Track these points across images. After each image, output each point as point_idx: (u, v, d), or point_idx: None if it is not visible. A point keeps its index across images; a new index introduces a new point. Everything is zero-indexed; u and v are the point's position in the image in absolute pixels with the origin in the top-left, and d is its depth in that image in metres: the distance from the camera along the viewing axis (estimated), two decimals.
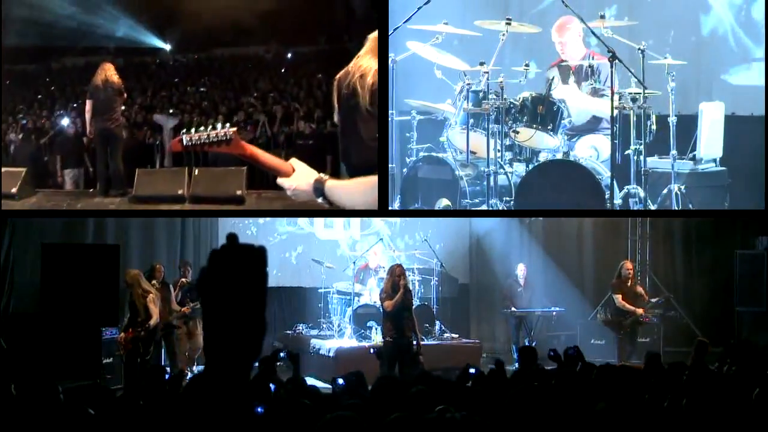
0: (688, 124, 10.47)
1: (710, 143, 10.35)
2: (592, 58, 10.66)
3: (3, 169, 11.98)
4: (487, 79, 10.34)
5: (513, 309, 14.72)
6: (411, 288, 12.78)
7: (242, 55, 13.76)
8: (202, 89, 14.02)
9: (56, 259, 11.67)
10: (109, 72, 12.12)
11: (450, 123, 10.65)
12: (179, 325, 13.39)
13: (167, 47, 14.65)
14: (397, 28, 10.47)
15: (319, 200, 5.34)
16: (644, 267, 15.69)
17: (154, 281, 12.76)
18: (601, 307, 14.80)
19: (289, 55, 16.08)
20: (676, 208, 10.35)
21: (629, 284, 13.56)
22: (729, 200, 10.42)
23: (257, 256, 2.15)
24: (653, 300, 14.13)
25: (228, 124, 5.44)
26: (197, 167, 11.82)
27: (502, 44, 10.46)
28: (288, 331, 14.88)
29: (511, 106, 10.30)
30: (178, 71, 14.86)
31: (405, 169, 10.90)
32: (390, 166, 10.88)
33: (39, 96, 15.05)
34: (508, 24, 10.46)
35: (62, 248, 12.23)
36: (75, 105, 12.67)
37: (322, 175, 5.32)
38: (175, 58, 14.97)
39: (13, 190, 11.70)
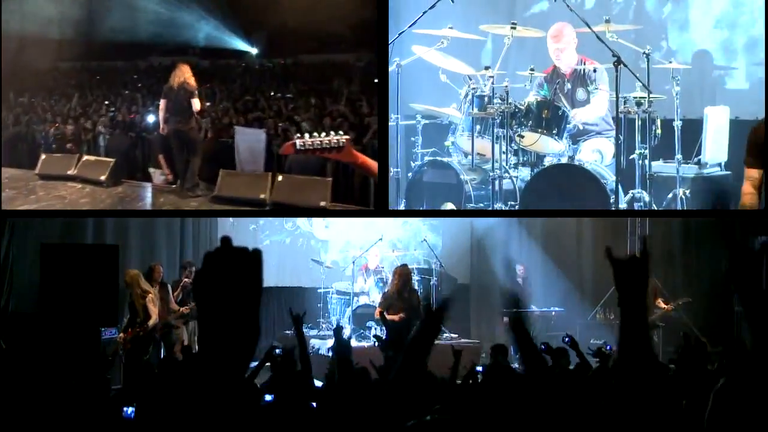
0: (693, 129, 10.49)
1: (715, 147, 10.35)
2: (584, 64, 10.65)
3: (93, 158, 12.97)
4: (492, 83, 10.35)
5: (513, 309, 14.76)
6: (416, 289, 12.88)
7: (330, 62, 13.65)
8: (288, 95, 13.93)
9: (55, 259, 11.63)
10: (186, 74, 12.01)
11: (456, 127, 10.65)
12: (178, 324, 13.40)
13: (254, 51, 14.58)
14: (402, 32, 10.46)
15: None
16: None
17: (153, 281, 12.78)
18: (601, 307, 14.85)
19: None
20: (685, 210, 10.37)
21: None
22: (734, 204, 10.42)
23: (252, 258, 2.14)
24: (680, 302, 14.07)
25: (341, 132, 5.64)
26: (281, 173, 11.75)
27: (506, 48, 10.47)
28: (287, 331, 14.85)
29: (516, 110, 10.31)
30: (264, 75, 14.80)
31: (410, 174, 10.90)
32: (395, 170, 10.87)
33: (126, 92, 15.11)
34: (513, 28, 10.47)
35: (62, 248, 12.18)
36: (158, 104, 12.69)
37: None
38: (261, 63, 14.89)
39: (102, 177, 12.34)
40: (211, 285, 2.11)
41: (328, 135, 5.51)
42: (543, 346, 8.81)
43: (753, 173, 7.90)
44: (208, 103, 13.58)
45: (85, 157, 13.03)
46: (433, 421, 4.42)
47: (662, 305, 13.00)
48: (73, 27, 13.68)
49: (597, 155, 10.50)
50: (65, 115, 14.59)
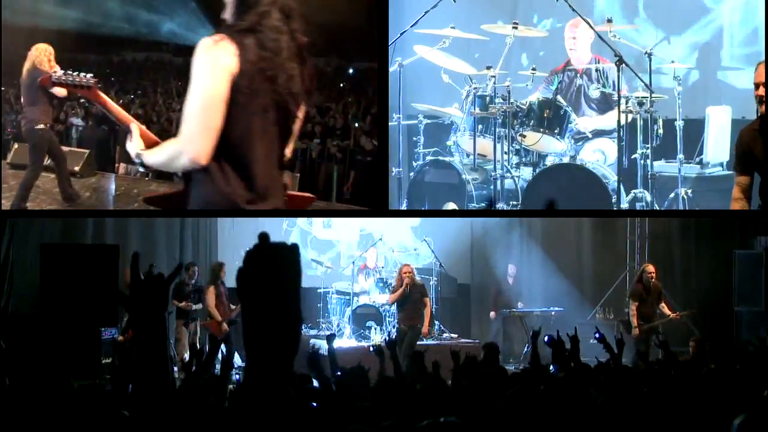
0: (695, 128, 10.50)
1: (717, 147, 10.37)
2: (598, 62, 10.66)
3: (67, 149, 12.93)
4: (494, 83, 10.36)
5: (512, 309, 14.81)
6: (421, 281, 12.98)
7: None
8: None
9: (55, 259, 11.62)
10: (35, 57, 10.85)
11: (458, 127, 10.66)
12: (177, 326, 13.39)
13: None
14: (404, 32, 10.46)
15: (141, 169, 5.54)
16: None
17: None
18: (600, 306, 14.86)
19: (351, 71, 16.06)
20: (685, 210, 10.38)
21: (651, 292, 12.50)
22: None
23: (291, 253, 2.15)
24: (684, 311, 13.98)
25: (91, 75, 5.87)
26: None
27: (508, 48, 10.48)
28: None
29: (518, 110, 10.31)
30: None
31: (412, 173, 10.90)
32: (397, 170, 10.88)
33: (99, 86, 15.10)
34: (515, 28, 10.47)
35: (61, 248, 12.17)
36: (132, 97, 12.58)
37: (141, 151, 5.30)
38: None
39: (76, 168, 12.42)
40: (256, 281, 2.12)
41: (79, 74, 5.80)
42: (547, 338, 8.80)
43: (741, 179, 7.95)
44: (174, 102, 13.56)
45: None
46: (446, 423, 4.43)
47: (666, 311, 12.79)
48: (46, 17, 13.66)
49: (600, 155, 10.50)
50: None
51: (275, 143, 5.13)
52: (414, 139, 10.99)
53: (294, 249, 2.14)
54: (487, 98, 10.34)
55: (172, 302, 13.40)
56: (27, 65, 10.79)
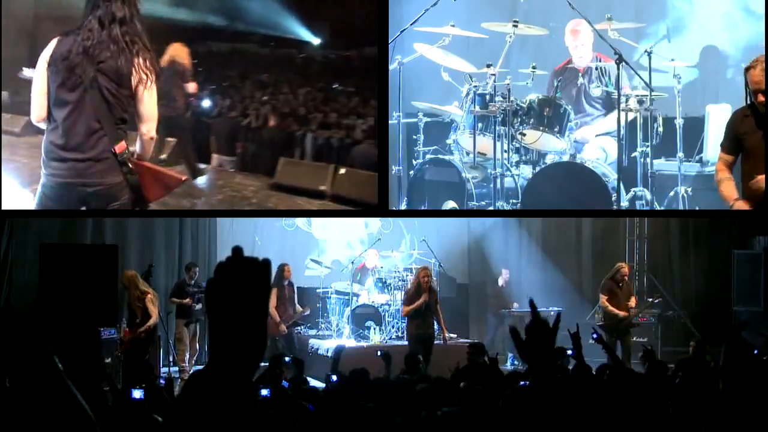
0: (695, 127, 10.51)
1: (717, 145, 10.34)
2: (599, 60, 10.66)
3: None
4: (494, 81, 10.35)
5: (511, 309, 14.84)
6: (435, 288, 12.98)
7: None
8: (350, 89, 13.84)
9: (55, 259, 11.60)
10: (174, 53, 11.65)
11: (458, 125, 10.65)
12: (179, 327, 13.41)
13: (315, 41, 14.48)
14: (404, 30, 10.45)
15: None
16: (642, 267, 15.74)
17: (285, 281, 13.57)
18: (600, 306, 14.86)
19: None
20: (684, 209, 10.38)
21: (621, 288, 13.02)
22: None
23: (261, 269, 2.19)
24: (650, 299, 14.15)
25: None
26: (342, 167, 11.76)
27: (508, 46, 10.47)
28: None
29: (518, 108, 10.31)
30: (326, 68, 14.75)
31: (412, 171, 10.90)
32: (397, 168, 10.87)
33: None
34: (515, 26, 10.47)
35: (61, 248, 12.14)
36: (214, 88, 12.55)
37: None
38: (324, 54, 14.84)
39: (163, 156, 12.27)
40: (223, 295, 2.17)
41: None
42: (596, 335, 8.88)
43: (726, 157, 8.46)
44: (265, 94, 13.54)
45: None
46: (443, 415, 4.44)
47: (633, 303, 13.06)
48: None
49: (601, 153, 10.49)
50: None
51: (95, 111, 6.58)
52: (414, 137, 10.99)
53: (266, 265, 2.17)
54: (487, 96, 10.32)
55: (171, 300, 13.43)
56: (165, 58, 11.50)
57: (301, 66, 15.19)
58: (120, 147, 6.68)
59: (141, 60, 6.58)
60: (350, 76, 14.10)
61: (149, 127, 6.78)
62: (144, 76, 6.59)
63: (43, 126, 6.78)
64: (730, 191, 8.64)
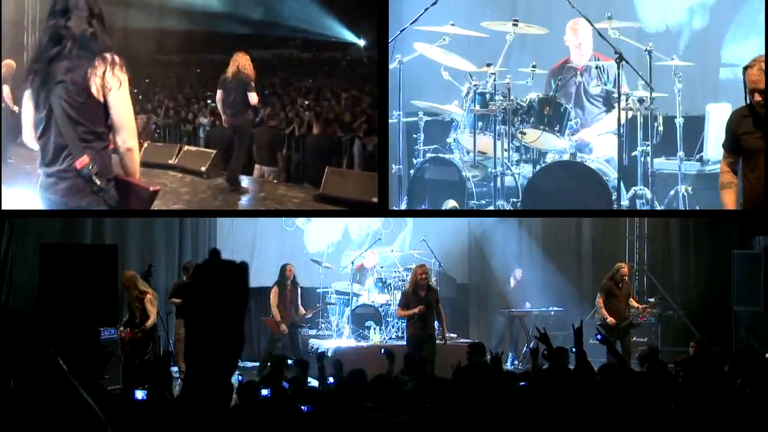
0: (695, 126, 10.51)
1: (717, 144, 10.33)
2: (598, 59, 10.66)
3: (194, 148, 13.13)
4: (494, 80, 10.35)
5: (511, 309, 14.82)
6: (435, 286, 12.95)
7: None
8: None
9: (54, 259, 11.60)
10: (240, 63, 11.53)
11: (458, 124, 10.66)
12: (179, 328, 13.40)
13: (361, 42, 14.38)
14: (404, 29, 10.45)
15: None
16: (642, 266, 15.73)
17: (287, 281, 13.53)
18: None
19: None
20: (684, 209, 10.39)
21: (621, 289, 12.87)
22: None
23: (239, 272, 2.19)
24: (650, 300, 14.14)
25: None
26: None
27: (508, 45, 10.48)
28: None
29: (518, 107, 10.31)
30: (372, 69, 14.70)
31: (412, 171, 10.90)
32: (397, 167, 10.87)
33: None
34: (515, 25, 10.47)
35: (60, 248, 12.13)
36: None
37: None
38: (369, 55, 14.71)
39: (203, 168, 12.32)
40: (200, 297, 2.18)
41: None
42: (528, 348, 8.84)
43: (729, 157, 8.52)
44: (307, 100, 13.48)
45: (186, 148, 13.15)
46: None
47: (635, 304, 13.02)
48: (173, 19, 13.78)
49: (609, 150, 10.45)
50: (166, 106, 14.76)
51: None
52: (414, 136, 10.99)
53: (243, 268, 2.18)
54: (488, 95, 10.34)
55: (170, 300, 13.44)
56: (232, 69, 11.48)
57: (345, 69, 15.11)
58: (81, 162, 6.38)
59: (103, 68, 6.31)
60: None
61: (124, 136, 6.47)
62: (109, 84, 6.33)
63: (33, 146, 6.63)
64: (730, 200, 8.67)
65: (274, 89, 14.38)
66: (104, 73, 6.30)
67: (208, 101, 15.12)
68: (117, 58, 6.42)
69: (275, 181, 12.66)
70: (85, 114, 6.39)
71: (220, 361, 2.16)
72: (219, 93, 11.73)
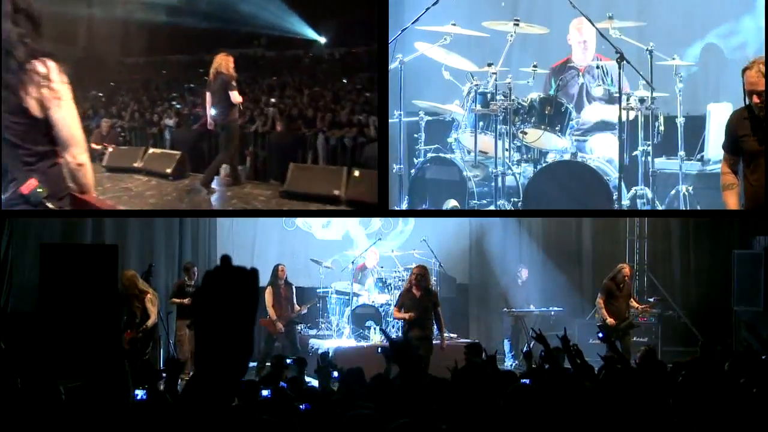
0: (696, 125, 10.51)
1: (718, 144, 10.34)
2: (599, 60, 10.67)
3: (160, 151, 13.10)
4: (495, 80, 10.36)
5: (512, 309, 14.81)
6: (435, 289, 12.87)
7: None
8: (359, 86, 13.76)
9: (55, 259, 11.60)
10: (221, 63, 11.61)
11: (459, 124, 10.67)
12: (181, 329, 13.39)
13: (322, 40, 14.40)
14: (405, 28, 10.46)
15: None
16: (642, 266, 15.73)
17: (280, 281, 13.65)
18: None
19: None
20: (685, 209, 10.39)
21: (622, 289, 12.80)
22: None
23: (249, 277, 2.19)
24: (650, 300, 14.14)
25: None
26: (357, 168, 11.32)
27: (509, 45, 10.48)
28: None
29: (519, 106, 10.32)
30: (334, 66, 14.69)
31: (413, 170, 10.90)
32: (398, 167, 10.88)
33: (192, 85, 15.21)
34: (516, 25, 10.48)
35: (61, 248, 12.15)
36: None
37: None
38: (330, 52, 14.76)
39: (168, 170, 12.32)
40: (211, 303, 2.18)
41: None
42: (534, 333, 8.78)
43: (729, 158, 8.56)
44: (271, 98, 13.52)
45: (151, 150, 13.15)
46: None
47: (635, 305, 12.99)
48: (138, 23, 13.80)
49: (609, 150, 10.46)
50: (132, 109, 14.76)
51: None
52: (415, 135, 11.00)
53: (253, 273, 2.17)
54: (489, 95, 10.35)
55: (171, 301, 13.43)
56: (213, 70, 11.60)
57: (309, 66, 15.16)
58: (27, 187, 5.79)
59: (37, 81, 5.62)
60: (359, 72, 14.07)
61: (74, 152, 5.85)
62: (48, 100, 5.66)
63: None
64: (733, 202, 8.68)
65: (240, 88, 14.51)
66: (39, 86, 5.63)
67: (173, 102, 15.20)
68: (52, 64, 5.72)
69: (242, 182, 12.59)
70: (24, 135, 5.78)
71: (230, 366, 2.16)
72: (207, 96, 11.80)
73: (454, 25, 10.65)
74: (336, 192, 10.99)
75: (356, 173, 11.17)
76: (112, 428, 5.03)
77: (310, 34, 14.02)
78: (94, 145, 13.61)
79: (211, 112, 11.80)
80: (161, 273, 14.74)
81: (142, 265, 13.42)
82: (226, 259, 2.18)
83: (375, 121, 12.46)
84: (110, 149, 13.18)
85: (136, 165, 12.69)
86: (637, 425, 4.91)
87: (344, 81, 14.20)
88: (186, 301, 13.14)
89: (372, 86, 13.10)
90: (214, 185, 11.98)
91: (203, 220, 15.41)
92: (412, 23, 10.46)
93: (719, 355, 10.12)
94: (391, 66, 10.52)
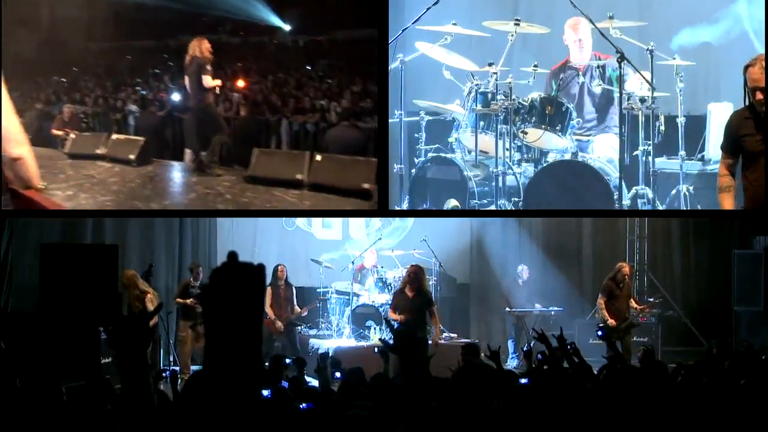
0: (697, 125, 10.51)
1: (719, 144, 10.34)
2: (598, 59, 10.67)
3: (123, 137, 13.01)
4: (496, 79, 10.36)
5: (514, 309, 14.79)
6: (428, 290, 12.79)
7: (366, 38, 13.15)
8: (321, 73, 13.80)
9: (55, 259, 11.59)
10: (195, 48, 11.59)
11: (460, 124, 10.67)
12: (183, 329, 13.34)
13: (286, 27, 14.43)
14: (406, 28, 10.46)
15: None
16: (642, 266, 15.73)
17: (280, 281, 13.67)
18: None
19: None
20: (685, 209, 10.39)
21: (622, 289, 12.73)
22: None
23: (256, 273, 2.18)
24: (650, 300, 14.15)
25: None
26: (319, 153, 11.37)
27: (510, 45, 10.48)
28: None
29: (520, 106, 10.32)
30: (297, 53, 14.71)
31: (414, 170, 10.90)
32: (398, 166, 10.88)
33: (157, 71, 15.28)
34: (517, 25, 10.48)
35: (61, 248, 12.13)
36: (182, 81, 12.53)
37: None
38: (294, 39, 14.82)
39: (131, 156, 12.23)
40: (220, 299, 2.17)
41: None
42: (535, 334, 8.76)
43: (728, 159, 8.49)
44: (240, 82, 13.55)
45: (115, 136, 13.06)
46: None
47: (635, 305, 12.98)
48: (102, 7, 13.79)
49: (611, 151, 10.45)
50: (95, 94, 14.74)
51: None
52: (416, 135, 11.01)
53: (260, 269, 2.17)
54: (489, 95, 10.36)
55: (175, 300, 13.41)
56: (189, 55, 11.56)
57: (273, 53, 15.23)
58: None
59: None
60: (322, 59, 14.15)
61: (8, 147, 5.78)
62: None
63: None
64: (728, 204, 8.67)
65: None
66: None
67: (137, 88, 15.19)
68: None
69: (209, 169, 12.51)
70: None
71: (240, 362, 2.16)
72: (186, 79, 11.81)
73: (454, 24, 10.66)
74: (299, 176, 11.06)
75: (318, 157, 11.21)
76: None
77: (275, 20, 14.03)
78: (55, 131, 13.65)
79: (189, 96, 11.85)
80: (161, 273, 14.75)
81: (142, 266, 13.42)
82: (233, 255, 2.18)
83: (336, 107, 12.51)
84: (72, 135, 13.11)
85: (99, 151, 12.61)
86: (637, 425, 4.91)
87: (308, 68, 14.24)
88: (189, 301, 13.13)
89: (334, 73, 13.19)
90: (178, 171, 12.08)
91: (203, 220, 15.40)
92: (413, 23, 10.47)
93: (717, 354, 10.12)
94: (392, 65, 10.53)
